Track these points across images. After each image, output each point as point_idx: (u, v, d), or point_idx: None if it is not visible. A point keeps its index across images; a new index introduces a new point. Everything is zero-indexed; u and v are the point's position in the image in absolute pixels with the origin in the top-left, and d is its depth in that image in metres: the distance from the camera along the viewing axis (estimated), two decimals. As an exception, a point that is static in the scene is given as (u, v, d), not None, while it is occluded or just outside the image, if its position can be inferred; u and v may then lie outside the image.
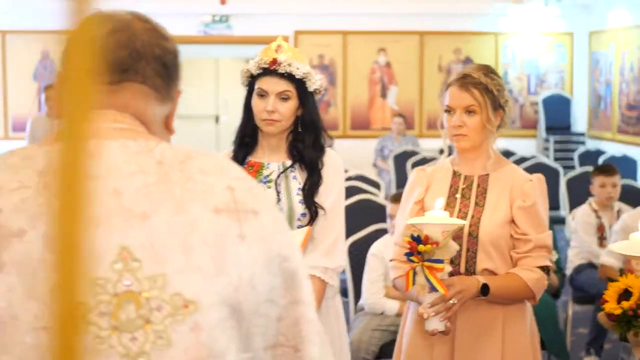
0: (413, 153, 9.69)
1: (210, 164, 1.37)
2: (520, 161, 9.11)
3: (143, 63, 1.42)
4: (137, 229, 1.27)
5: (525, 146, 11.19)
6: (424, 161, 9.00)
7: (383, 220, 5.21)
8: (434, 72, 11.54)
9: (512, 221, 2.79)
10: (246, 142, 2.99)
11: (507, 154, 10.56)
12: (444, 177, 2.91)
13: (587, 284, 5.47)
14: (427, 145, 10.78)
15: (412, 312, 2.88)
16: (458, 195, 2.86)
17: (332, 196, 2.91)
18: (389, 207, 4.71)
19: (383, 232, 4.86)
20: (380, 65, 11.52)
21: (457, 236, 2.73)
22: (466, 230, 2.77)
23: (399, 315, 4.49)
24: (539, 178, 2.86)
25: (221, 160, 1.40)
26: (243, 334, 1.30)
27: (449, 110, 2.84)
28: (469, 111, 2.81)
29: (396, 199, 4.75)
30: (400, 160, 9.59)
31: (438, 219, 2.65)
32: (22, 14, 10.88)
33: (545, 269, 2.80)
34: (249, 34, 10.78)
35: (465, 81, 2.80)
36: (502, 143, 11.18)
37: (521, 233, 2.77)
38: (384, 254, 4.57)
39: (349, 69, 11.48)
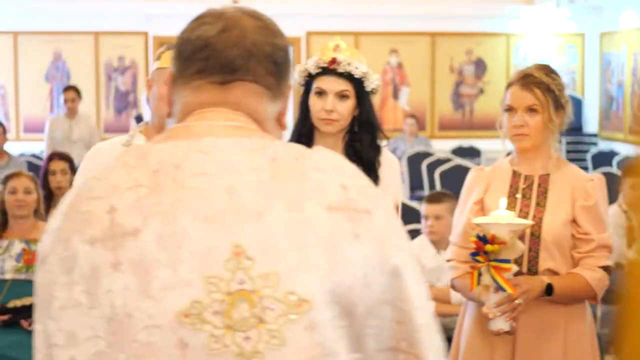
0: (427, 154, 9.69)
1: (324, 161, 1.36)
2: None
3: (254, 62, 1.41)
4: (251, 226, 1.27)
5: (537, 147, 11.18)
6: (438, 162, 8.99)
7: (411, 220, 5.20)
8: (446, 73, 11.54)
9: (574, 221, 2.78)
10: (302, 142, 2.97)
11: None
12: (504, 177, 2.89)
13: (616, 284, 5.47)
14: (439, 147, 10.77)
15: (472, 312, 2.86)
16: (519, 195, 2.85)
17: (390, 196, 2.90)
18: (424, 208, 4.70)
19: (416, 232, 4.85)
20: (392, 66, 11.52)
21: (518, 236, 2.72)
22: (528, 230, 2.76)
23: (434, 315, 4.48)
24: (599, 178, 2.86)
25: (335, 158, 1.39)
26: (354, 334, 1.29)
27: (510, 110, 2.83)
28: (530, 110, 2.80)
29: (431, 199, 4.75)
30: (414, 161, 9.57)
31: (505, 219, 2.64)
32: (34, 15, 10.86)
33: (607, 269, 2.80)
34: (261, 35, 10.75)
35: (526, 81, 2.80)
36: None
37: (583, 233, 2.77)
38: (419, 255, 4.57)
39: (361, 70, 11.45)
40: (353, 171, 1.38)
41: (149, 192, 1.28)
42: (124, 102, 11.09)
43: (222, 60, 1.40)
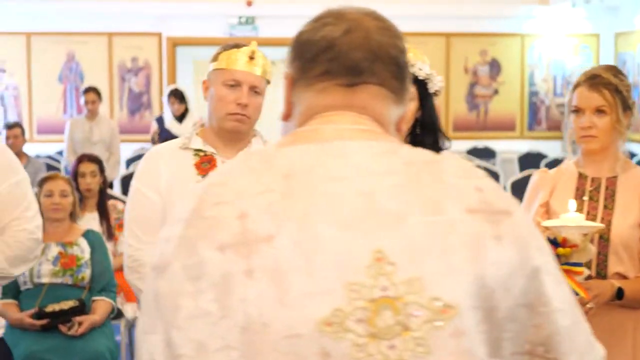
0: (444, 155, 9.65)
1: (455, 165, 1.34)
2: (553, 163, 9.07)
3: (379, 65, 1.37)
4: (391, 230, 1.23)
5: (552, 148, 11.16)
6: (456, 163, 8.95)
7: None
8: (460, 73, 11.51)
9: (642, 224, 2.75)
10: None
11: (537, 155, 10.54)
12: (569, 179, 2.86)
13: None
14: (453, 147, 10.69)
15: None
16: (586, 198, 2.81)
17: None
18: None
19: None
20: (406, 67, 11.49)
21: (585, 239, 2.69)
22: (597, 233, 2.73)
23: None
24: (667, 180, 2.82)
25: (463, 161, 1.37)
26: (493, 339, 1.26)
27: (577, 111, 2.80)
28: (598, 111, 2.76)
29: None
30: (432, 162, 9.52)
31: (575, 221, 2.61)
32: (47, 16, 10.82)
33: (675, 273, 2.77)
34: (275, 36, 10.73)
35: (595, 82, 2.76)
36: (527, 145, 11.05)
37: (651, 236, 2.74)
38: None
39: (375, 70, 11.41)
40: (483, 174, 1.36)
41: (281, 197, 1.24)
42: (138, 103, 11.05)
43: (348, 62, 1.36)
